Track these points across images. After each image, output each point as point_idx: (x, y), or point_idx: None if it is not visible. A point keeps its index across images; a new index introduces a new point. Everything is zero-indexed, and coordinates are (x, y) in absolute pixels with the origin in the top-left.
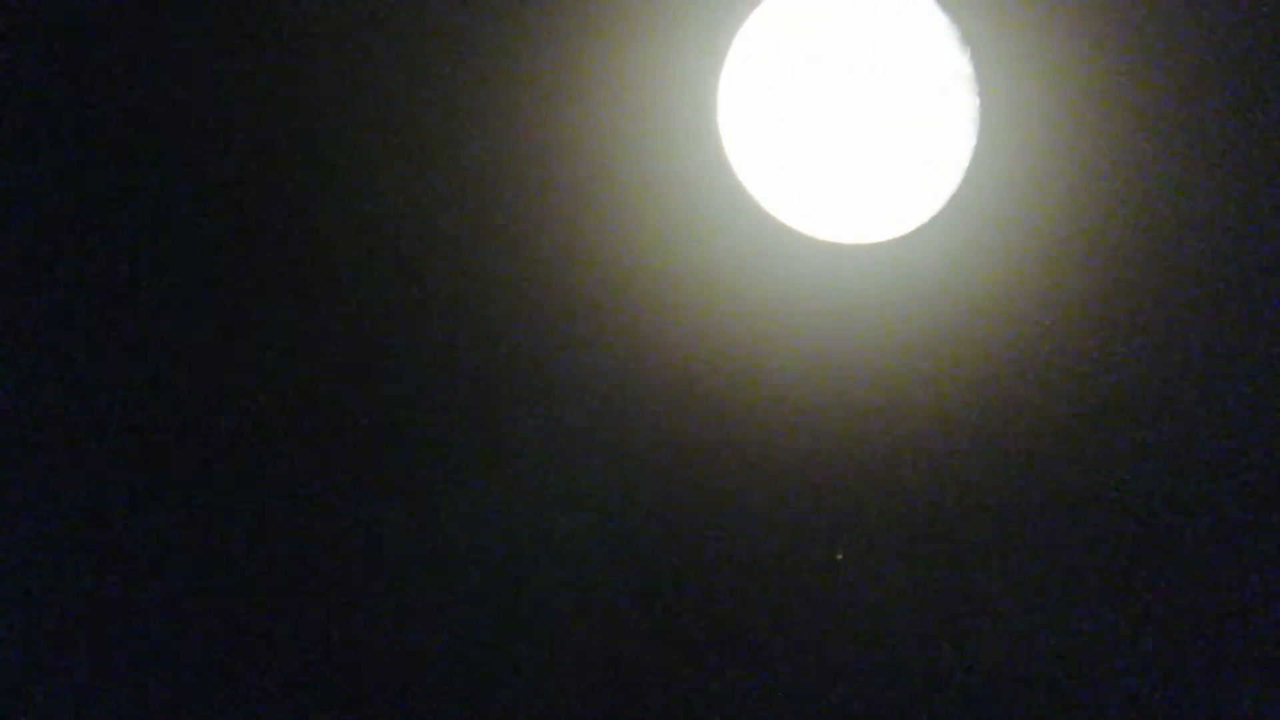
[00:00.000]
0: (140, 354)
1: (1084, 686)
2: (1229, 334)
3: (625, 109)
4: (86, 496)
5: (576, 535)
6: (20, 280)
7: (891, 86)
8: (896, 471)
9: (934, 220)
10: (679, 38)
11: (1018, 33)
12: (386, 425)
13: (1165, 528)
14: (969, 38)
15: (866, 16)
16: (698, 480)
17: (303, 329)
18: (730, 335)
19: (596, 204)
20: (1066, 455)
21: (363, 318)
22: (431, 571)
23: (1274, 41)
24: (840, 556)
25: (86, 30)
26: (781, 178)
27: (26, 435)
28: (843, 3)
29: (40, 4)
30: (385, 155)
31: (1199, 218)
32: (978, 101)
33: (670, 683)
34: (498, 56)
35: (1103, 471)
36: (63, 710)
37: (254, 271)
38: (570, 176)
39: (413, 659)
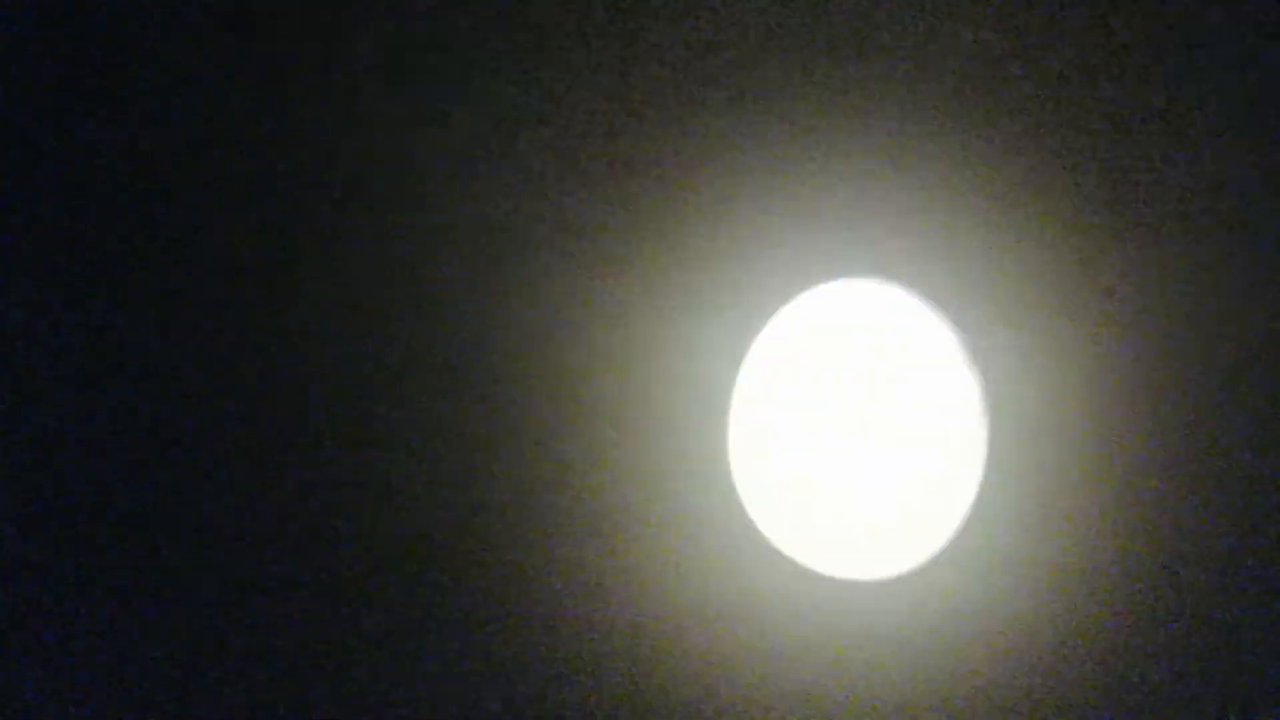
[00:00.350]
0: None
1: None
2: (1240, 677)
3: (634, 445)
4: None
5: None
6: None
7: (902, 421)
8: None
9: (941, 554)
10: (688, 373)
11: (1030, 370)
12: None
13: None
14: (980, 358)
15: (877, 337)
16: None
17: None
18: (739, 671)
19: (604, 539)
20: None
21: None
22: None
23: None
24: None
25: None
26: (791, 512)
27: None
28: (851, 323)
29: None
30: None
31: (1213, 551)
32: (987, 436)
33: None
34: (505, 391)
35: None
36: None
37: None
38: (578, 514)
39: None
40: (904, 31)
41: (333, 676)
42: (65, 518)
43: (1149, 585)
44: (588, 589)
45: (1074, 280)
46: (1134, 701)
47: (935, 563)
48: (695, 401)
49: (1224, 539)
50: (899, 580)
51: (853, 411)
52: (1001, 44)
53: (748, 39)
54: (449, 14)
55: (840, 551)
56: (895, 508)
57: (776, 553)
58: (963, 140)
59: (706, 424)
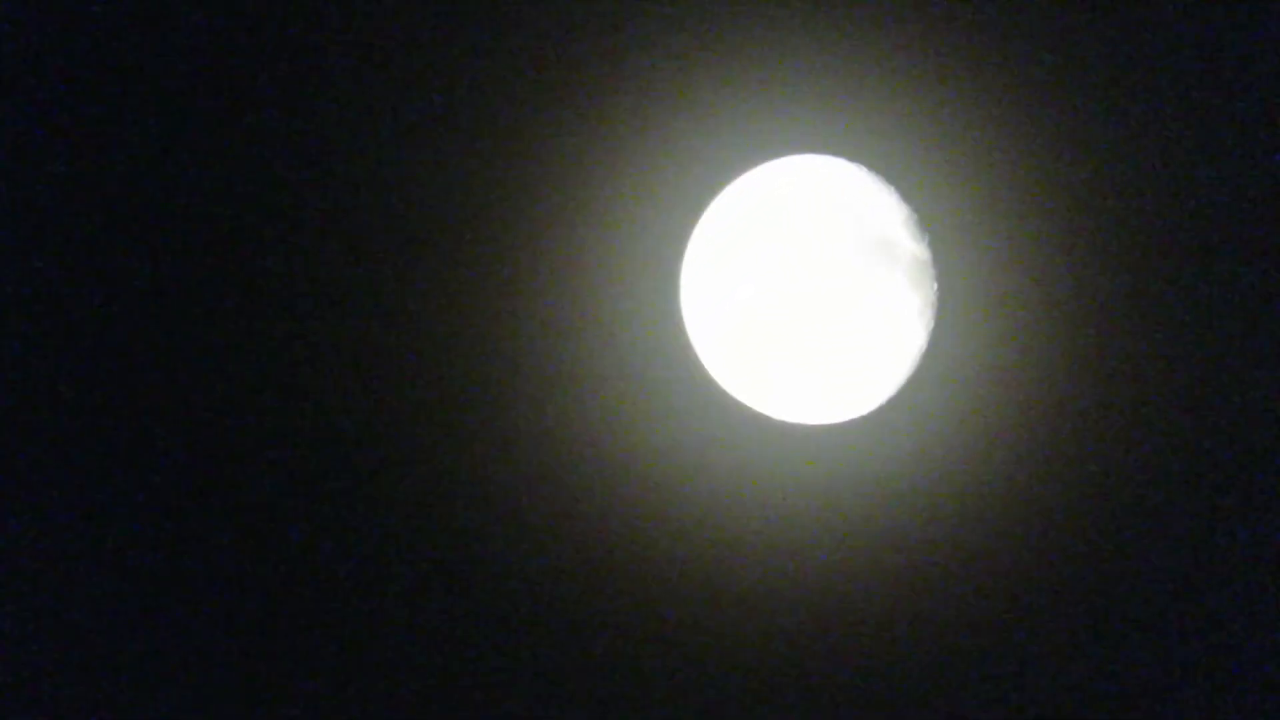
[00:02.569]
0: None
1: None
2: (1181, 516)
3: (591, 297)
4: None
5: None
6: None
7: (851, 272)
8: (857, 648)
9: (892, 401)
10: (642, 227)
11: (975, 222)
12: (352, 614)
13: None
14: (928, 226)
15: (828, 206)
16: (660, 658)
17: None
18: (693, 515)
19: (563, 391)
20: (1018, 629)
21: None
22: None
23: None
24: None
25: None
26: (743, 361)
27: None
28: (804, 193)
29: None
30: (380, 337)
31: (1152, 405)
32: (935, 286)
33: None
34: (477, 246)
35: (1062, 645)
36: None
37: None
38: (537, 366)
39: None
40: None
41: None
42: None
43: (1087, 439)
44: (543, 443)
45: (1022, 153)
46: (1069, 548)
47: (881, 411)
48: (651, 258)
49: (1159, 391)
50: (844, 426)
51: (805, 270)
52: None
53: None
54: None
55: (788, 397)
56: (844, 358)
57: (728, 397)
58: (916, 21)
59: (662, 280)
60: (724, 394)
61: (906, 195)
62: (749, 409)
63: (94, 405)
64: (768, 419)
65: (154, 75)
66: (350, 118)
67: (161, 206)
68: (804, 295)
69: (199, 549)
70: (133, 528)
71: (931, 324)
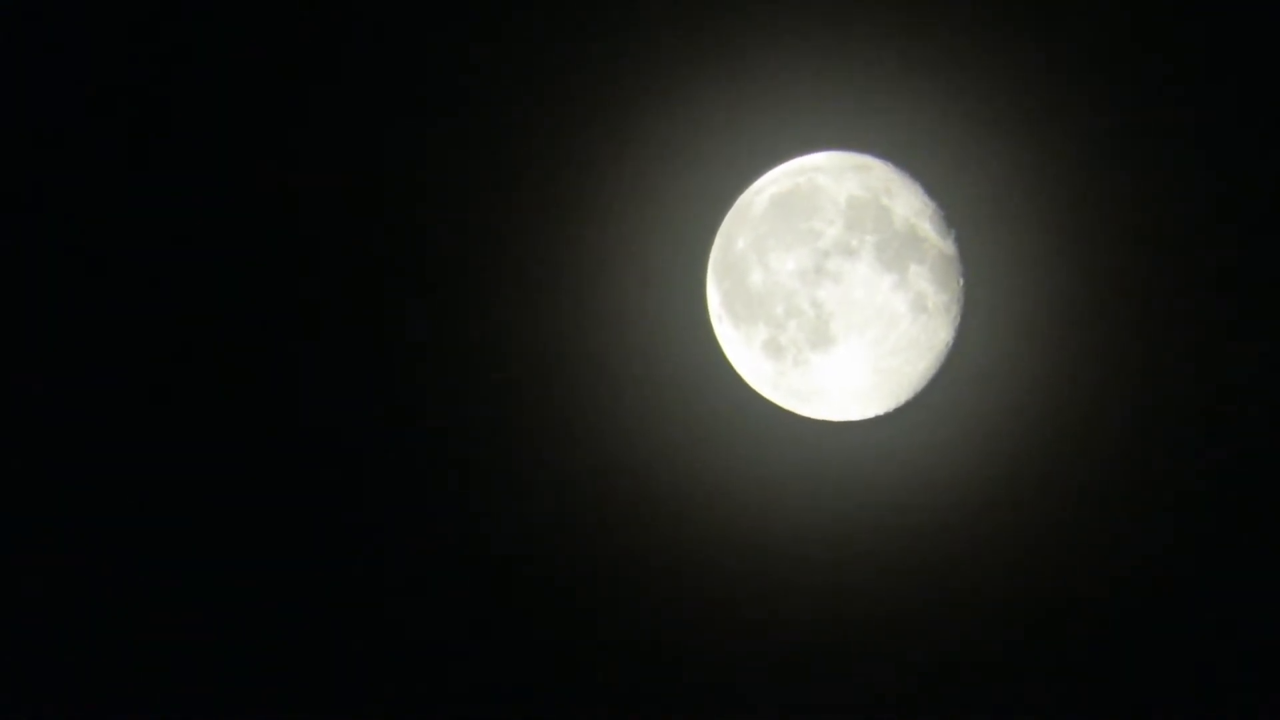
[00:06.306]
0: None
1: None
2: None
3: (619, 292)
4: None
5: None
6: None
7: (877, 268)
8: (881, 639)
9: (919, 397)
10: (670, 221)
11: (1000, 218)
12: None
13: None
14: (954, 222)
15: (855, 202)
16: (687, 653)
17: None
18: (719, 509)
19: (592, 384)
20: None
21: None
22: None
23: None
24: None
25: None
26: (769, 356)
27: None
28: (831, 188)
29: None
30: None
31: (1177, 402)
32: (961, 282)
33: None
34: (515, 243)
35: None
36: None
37: None
38: (569, 370)
39: None
40: None
41: None
42: None
43: (1111, 435)
44: (576, 443)
45: (1048, 150)
46: (1091, 545)
47: (906, 408)
48: (679, 255)
49: (1184, 387)
50: (872, 422)
51: (831, 265)
52: None
53: None
54: None
55: (813, 393)
56: (871, 354)
57: (753, 393)
58: (946, 19)
59: (689, 274)
60: (750, 389)
61: (933, 191)
62: (774, 405)
63: None
64: (793, 415)
65: None
66: (401, 112)
67: None
68: (830, 290)
69: None
70: None
71: (958, 319)
